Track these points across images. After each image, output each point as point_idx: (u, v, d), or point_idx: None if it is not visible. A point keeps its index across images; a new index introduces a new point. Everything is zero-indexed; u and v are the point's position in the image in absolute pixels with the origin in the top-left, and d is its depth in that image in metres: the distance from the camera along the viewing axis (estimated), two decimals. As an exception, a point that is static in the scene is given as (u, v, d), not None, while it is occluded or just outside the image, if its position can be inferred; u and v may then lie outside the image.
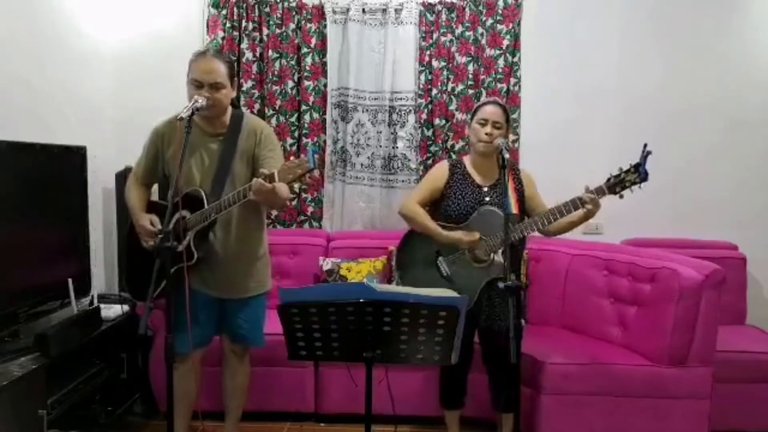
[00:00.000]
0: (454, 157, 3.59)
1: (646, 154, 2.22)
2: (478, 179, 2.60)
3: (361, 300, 1.80)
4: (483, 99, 2.72)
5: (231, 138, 2.39)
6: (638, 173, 2.24)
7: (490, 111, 2.53)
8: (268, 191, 2.06)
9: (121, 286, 3.32)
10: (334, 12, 3.63)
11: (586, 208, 2.30)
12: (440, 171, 2.66)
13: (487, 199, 2.56)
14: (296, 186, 3.65)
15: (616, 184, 2.27)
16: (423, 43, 3.66)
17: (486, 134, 2.50)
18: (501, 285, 2.07)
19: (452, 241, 2.52)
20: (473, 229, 2.52)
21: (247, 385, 2.67)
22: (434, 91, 3.65)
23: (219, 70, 2.30)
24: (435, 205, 2.65)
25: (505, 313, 2.45)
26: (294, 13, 3.67)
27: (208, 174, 2.38)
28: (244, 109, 3.59)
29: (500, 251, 2.45)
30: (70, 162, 2.86)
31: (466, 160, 2.67)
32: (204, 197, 2.30)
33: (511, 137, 3.61)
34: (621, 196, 2.28)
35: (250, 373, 2.67)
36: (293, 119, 3.73)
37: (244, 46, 3.65)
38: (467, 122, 2.66)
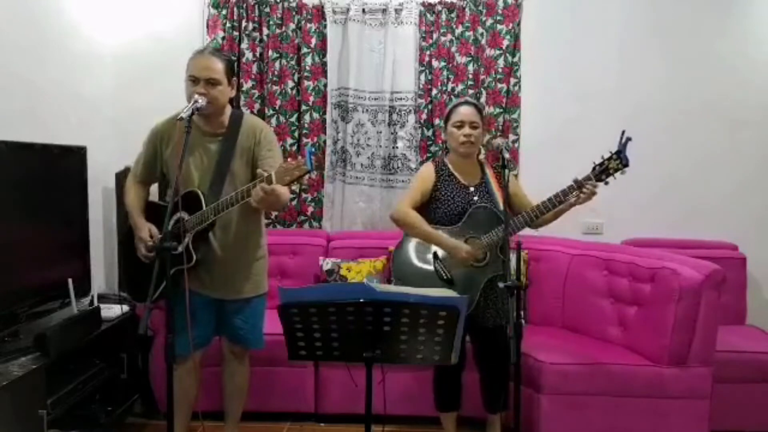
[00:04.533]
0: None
1: (625, 141, 2.31)
2: (463, 180, 2.61)
3: (361, 300, 1.79)
4: (454, 101, 2.74)
5: (230, 137, 2.38)
6: (620, 159, 2.32)
7: (465, 112, 2.55)
8: (270, 197, 2.04)
9: (121, 287, 3.32)
10: (334, 12, 3.63)
11: (580, 199, 2.38)
12: (428, 172, 2.65)
13: (476, 198, 2.57)
14: (295, 186, 3.71)
15: (602, 172, 2.35)
16: (423, 43, 3.66)
17: (465, 136, 2.52)
18: (501, 285, 2.07)
19: (451, 248, 2.50)
20: (467, 230, 2.53)
21: (247, 385, 2.67)
22: (434, 91, 3.65)
23: (215, 67, 2.30)
24: (423, 207, 2.63)
25: (503, 311, 2.47)
26: (294, 13, 3.67)
27: (206, 174, 2.37)
28: (244, 109, 3.62)
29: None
30: (70, 162, 2.86)
31: (448, 161, 2.67)
32: (202, 198, 2.29)
33: (511, 137, 3.62)
34: (606, 183, 2.36)
35: (249, 374, 2.67)
36: (293, 119, 3.73)
37: (244, 46, 3.65)
38: (441, 126, 2.69)
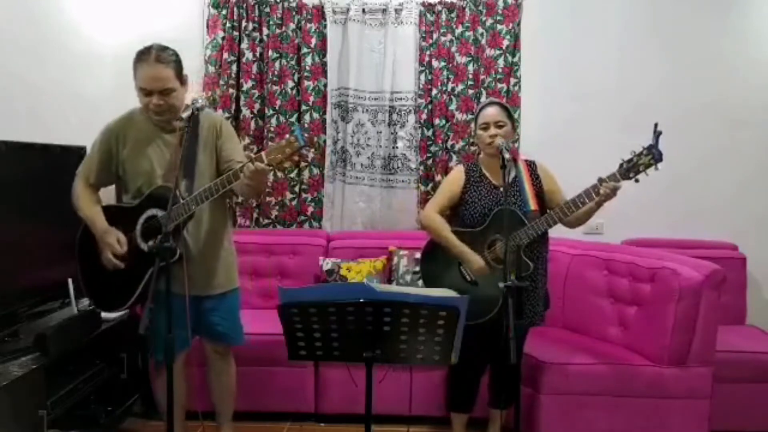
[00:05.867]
0: (455, 158, 3.60)
1: (658, 134, 2.16)
2: (494, 180, 2.59)
3: (361, 300, 1.79)
4: (481, 102, 2.71)
5: (191, 131, 2.29)
6: (652, 155, 2.18)
7: (490, 113, 2.54)
8: (260, 175, 2.03)
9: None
10: (334, 12, 3.63)
11: (600, 197, 2.27)
12: (457, 176, 2.65)
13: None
14: (296, 186, 3.71)
15: (629, 170, 2.22)
16: (423, 43, 3.66)
17: (490, 137, 2.51)
18: (501, 285, 2.07)
19: (467, 261, 2.50)
20: (492, 231, 2.50)
21: (235, 383, 2.65)
22: (434, 91, 3.65)
23: (165, 75, 2.22)
24: (454, 210, 2.64)
25: (525, 307, 2.44)
26: (294, 13, 3.67)
27: (172, 168, 2.27)
28: (243, 109, 3.62)
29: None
30: (69, 162, 2.84)
31: (480, 162, 2.66)
32: (179, 192, 2.21)
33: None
34: (636, 180, 2.23)
35: (235, 372, 2.65)
36: (293, 119, 3.73)
37: (244, 46, 3.65)
38: (472, 129, 2.68)
